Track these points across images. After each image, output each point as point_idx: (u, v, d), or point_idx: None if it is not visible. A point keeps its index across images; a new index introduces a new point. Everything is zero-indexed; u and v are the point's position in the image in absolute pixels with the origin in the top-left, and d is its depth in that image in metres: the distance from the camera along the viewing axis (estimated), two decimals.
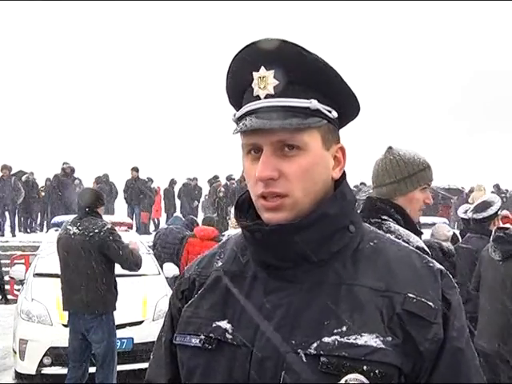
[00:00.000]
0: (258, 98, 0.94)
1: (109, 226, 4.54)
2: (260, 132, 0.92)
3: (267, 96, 0.93)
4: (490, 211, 4.22)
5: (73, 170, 14.79)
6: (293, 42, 0.93)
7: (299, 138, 0.92)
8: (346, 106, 0.99)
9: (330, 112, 0.96)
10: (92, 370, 4.88)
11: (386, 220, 1.96)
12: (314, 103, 0.93)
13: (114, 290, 4.62)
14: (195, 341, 0.98)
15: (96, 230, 4.46)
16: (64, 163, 14.75)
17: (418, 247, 1.75)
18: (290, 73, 0.93)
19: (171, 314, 1.10)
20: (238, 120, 0.97)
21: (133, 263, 4.57)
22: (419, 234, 2.00)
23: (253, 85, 0.95)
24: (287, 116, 0.91)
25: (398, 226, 1.93)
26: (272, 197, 0.93)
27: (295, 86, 0.93)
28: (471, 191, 16.32)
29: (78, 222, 4.58)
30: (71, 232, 4.53)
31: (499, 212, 4.32)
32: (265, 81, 0.93)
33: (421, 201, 2.08)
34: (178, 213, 15.30)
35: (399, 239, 1.72)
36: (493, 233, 3.43)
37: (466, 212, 4.64)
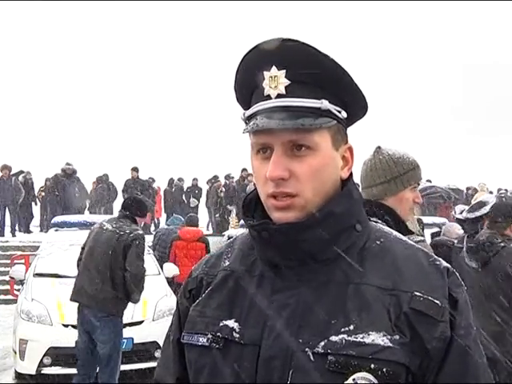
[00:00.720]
0: (268, 97, 0.94)
1: (140, 232, 4.71)
2: (271, 132, 0.92)
3: (278, 96, 0.93)
4: (483, 210, 4.24)
5: (74, 172, 14.72)
6: (304, 41, 0.93)
7: (310, 139, 0.92)
8: (355, 105, 1.00)
9: (339, 112, 0.96)
10: None
11: (375, 222, 1.95)
12: (325, 103, 0.93)
13: (127, 294, 4.62)
14: (202, 340, 0.98)
15: (127, 231, 4.62)
16: (66, 163, 14.68)
17: None
18: (302, 73, 0.93)
19: (179, 313, 1.10)
20: (248, 119, 0.97)
21: (138, 277, 4.57)
22: (409, 233, 2.00)
23: (263, 84, 0.94)
24: (299, 116, 0.91)
25: (388, 228, 1.92)
26: (282, 196, 0.93)
27: (306, 86, 0.93)
28: (469, 191, 16.34)
29: (114, 221, 4.80)
30: (105, 227, 4.74)
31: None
32: (276, 80, 0.93)
33: (410, 200, 2.08)
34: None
35: None
36: (464, 242, 3.46)
37: (461, 212, 4.67)
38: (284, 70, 0.93)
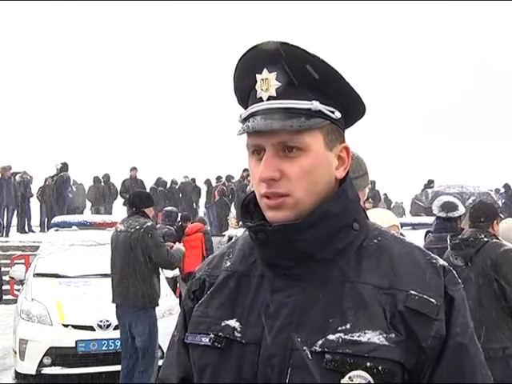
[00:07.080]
0: (260, 99, 0.96)
1: (149, 224, 4.84)
2: (262, 133, 0.94)
3: (269, 98, 0.95)
4: (460, 211, 4.44)
5: (63, 169, 14.65)
6: (294, 43, 0.94)
7: (300, 139, 0.94)
8: (350, 106, 1.00)
9: (332, 113, 0.97)
10: (102, 369, 5.07)
11: None
12: (315, 104, 0.95)
13: (157, 286, 4.82)
14: (205, 340, 0.99)
15: (137, 227, 4.77)
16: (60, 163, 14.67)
17: None
18: (292, 74, 0.94)
19: (184, 314, 1.11)
20: (244, 121, 0.99)
21: (167, 261, 4.87)
22: None
23: (256, 87, 0.97)
24: (288, 117, 0.93)
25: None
26: (274, 196, 0.95)
27: (297, 88, 0.95)
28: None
29: (125, 221, 5.00)
30: (118, 229, 4.93)
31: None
32: (267, 83, 0.95)
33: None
34: None
35: None
36: (448, 241, 3.55)
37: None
38: (275, 73, 0.94)
